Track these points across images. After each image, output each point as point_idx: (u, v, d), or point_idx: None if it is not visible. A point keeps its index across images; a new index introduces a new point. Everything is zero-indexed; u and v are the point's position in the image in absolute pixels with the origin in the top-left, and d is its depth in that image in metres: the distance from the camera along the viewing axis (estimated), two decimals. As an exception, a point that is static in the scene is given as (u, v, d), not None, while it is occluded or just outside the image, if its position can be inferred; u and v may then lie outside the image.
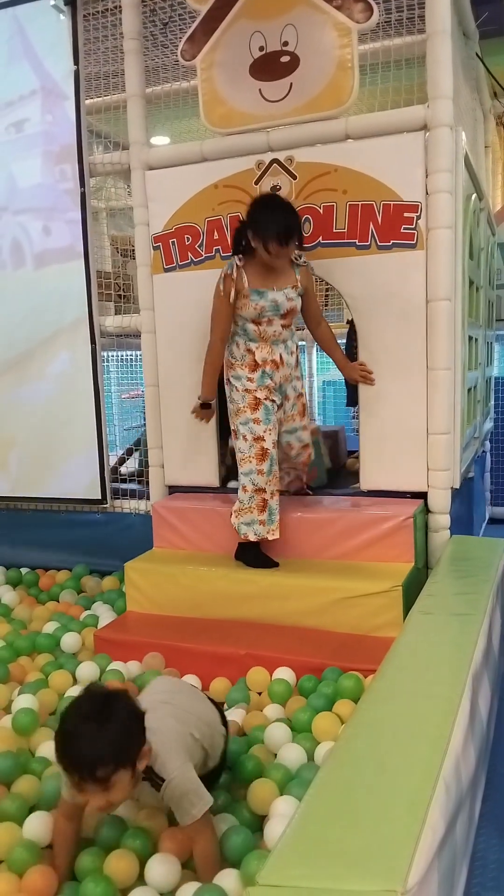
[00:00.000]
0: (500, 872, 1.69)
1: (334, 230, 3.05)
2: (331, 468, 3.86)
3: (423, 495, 3.06)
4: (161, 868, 1.68)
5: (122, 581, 3.39)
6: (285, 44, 2.99)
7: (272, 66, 3.03)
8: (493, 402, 5.14)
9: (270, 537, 2.96)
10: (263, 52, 3.03)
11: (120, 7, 3.43)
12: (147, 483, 3.69)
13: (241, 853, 1.70)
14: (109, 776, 1.51)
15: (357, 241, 3.01)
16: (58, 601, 3.67)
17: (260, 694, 2.54)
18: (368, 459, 3.14)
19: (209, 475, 3.46)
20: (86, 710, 1.55)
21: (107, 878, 1.64)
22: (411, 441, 3.03)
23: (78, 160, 3.71)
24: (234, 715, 2.34)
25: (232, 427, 3.03)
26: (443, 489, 3.01)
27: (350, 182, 2.99)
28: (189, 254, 3.35)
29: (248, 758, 2.07)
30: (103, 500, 3.88)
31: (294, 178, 3.09)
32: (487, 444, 5.15)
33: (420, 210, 2.89)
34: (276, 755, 2.16)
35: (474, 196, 3.42)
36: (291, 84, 3.00)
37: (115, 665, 2.73)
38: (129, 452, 4.60)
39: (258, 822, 1.89)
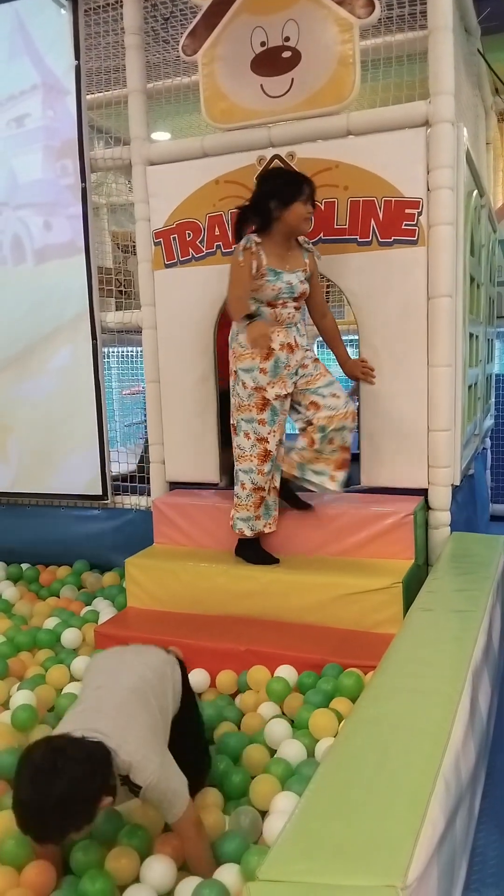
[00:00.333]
0: (499, 868, 1.69)
1: (335, 226, 3.05)
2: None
3: (423, 492, 3.06)
4: (158, 868, 1.68)
5: (123, 577, 3.40)
6: (287, 39, 2.98)
7: (273, 62, 3.02)
8: (493, 399, 5.13)
9: (267, 530, 2.97)
10: (265, 47, 3.03)
11: (121, 2, 3.42)
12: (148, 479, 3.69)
13: (235, 858, 1.70)
14: (62, 837, 1.53)
15: (358, 237, 3.00)
16: (58, 597, 3.67)
17: (258, 692, 2.55)
18: (369, 456, 3.13)
19: (210, 471, 3.46)
20: (36, 773, 1.46)
21: (105, 875, 1.64)
22: (412, 438, 3.02)
23: (79, 155, 3.71)
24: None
25: (233, 421, 2.98)
26: (443, 486, 3.01)
27: (351, 178, 2.99)
28: (190, 249, 3.34)
29: (236, 771, 2.06)
30: (104, 495, 3.88)
31: (295, 174, 3.09)
32: (488, 441, 5.15)
33: (421, 206, 2.89)
34: (275, 751, 2.16)
35: (475, 192, 3.41)
36: (293, 79, 3.00)
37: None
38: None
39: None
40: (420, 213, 2.89)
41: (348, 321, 4.96)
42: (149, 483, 3.70)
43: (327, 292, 5.93)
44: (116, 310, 3.96)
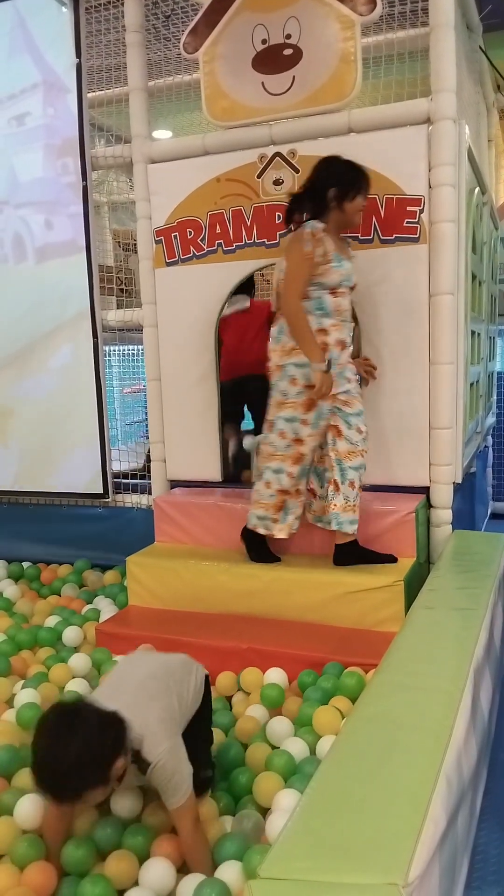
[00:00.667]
0: (501, 866, 1.69)
1: (337, 224, 3.04)
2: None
3: (425, 490, 3.05)
4: (157, 870, 1.67)
5: (124, 575, 3.40)
6: (288, 36, 2.98)
7: (275, 59, 3.01)
8: (495, 397, 5.13)
9: (278, 535, 2.92)
10: (266, 44, 3.02)
11: (122, 0, 3.42)
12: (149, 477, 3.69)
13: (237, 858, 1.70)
14: (79, 797, 1.56)
15: (360, 234, 3.00)
16: (59, 595, 3.67)
17: (249, 694, 2.53)
18: (371, 454, 3.12)
19: (211, 470, 3.46)
20: (55, 735, 1.53)
21: (105, 879, 1.64)
22: (413, 436, 3.02)
23: (80, 154, 3.70)
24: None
25: (269, 417, 2.83)
26: (445, 484, 3.01)
27: (353, 176, 2.98)
28: (191, 248, 3.34)
29: (242, 771, 2.06)
30: (105, 494, 3.88)
31: (297, 171, 3.08)
32: (489, 438, 5.14)
33: (423, 204, 2.88)
34: (276, 749, 2.16)
35: (477, 190, 3.41)
36: (294, 77, 2.99)
37: (117, 659, 2.74)
38: None
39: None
40: (422, 211, 2.89)
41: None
42: (150, 481, 3.70)
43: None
44: (117, 308, 3.95)
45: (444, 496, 3.02)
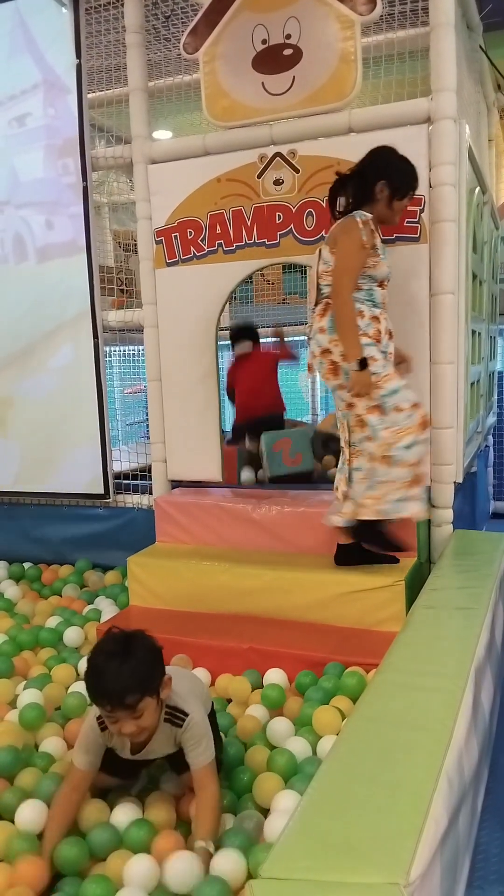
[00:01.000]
0: (502, 865, 1.69)
1: (337, 224, 3.04)
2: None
3: (426, 489, 3.05)
4: (142, 867, 1.66)
5: (125, 575, 3.40)
6: (288, 37, 2.98)
7: (275, 59, 3.01)
8: (495, 397, 5.13)
9: (419, 515, 2.72)
10: (266, 45, 3.02)
11: (122, 0, 3.42)
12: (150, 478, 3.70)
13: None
14: (137, 702, 1.66)
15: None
16: (60, 596, 3.68)
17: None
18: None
19: (212, 470, 3.46)
20: (110, 649, 1.71)
21: (106, 879, 1.64)
22: (414, 435, 3.01)
23: (80, 154, 3.70)
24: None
25: (373, 403, 2.61)
26: (446, 483, 3.01)
27: (353, 175, 2.98)
28: (191, 248, 3.34)
29: (242, 770, 2.07)
30: (106, 494, 3.88)
31: (297, 171, 3.09)
32: (490, 438, 5.14)
33: (423, 203, 2.88)
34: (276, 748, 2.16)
35: (478, 189, 3.41)
36: (294, 77, 2.99)
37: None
38: None
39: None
40: (422, 210, 2.89)
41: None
42: (151, 481, 3.70)
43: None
44: (118, 308, 3.95)
45: (445, 496, 3.02)
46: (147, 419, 3.69)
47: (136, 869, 1.64)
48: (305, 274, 6.01)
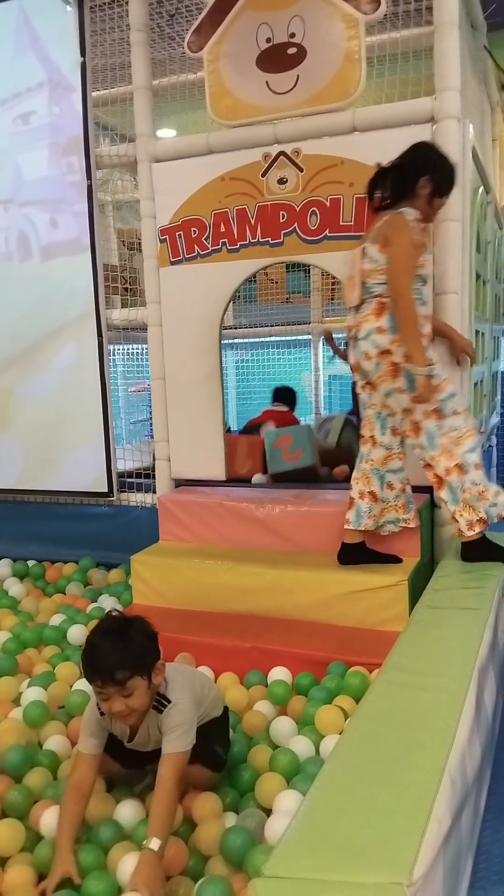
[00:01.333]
0: (505, 866, 1.69)
1: (341, 223, 3.04)
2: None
3: (429, 490, 3.04)
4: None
5: (129, 574, 3.40)
6: (292, 35, 2.97)
7: (279, 58, 3.01)
8: (499, 397, 5.12)
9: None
10: (270, 43, 3.02)
11: (126, -1, 3.42)
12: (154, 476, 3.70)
13: (240, 853, 1.70)
14: (126, 679, 1.70)
15: (364, 233, 2.99)
16: (64, 593, 3.68)
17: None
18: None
19: (215, 469, 3.46)
20: (106, 627, 1.77)
21: (109, 876, 1.64)
22: (417, 435, 3.01)
23: (84, 152, 3.71)
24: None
25: (431, 408, 2.57)
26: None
27: (357, 174, 2.98)
28: (195, 246, 3.34)
29: (244, 768, 2.07)
30: (109, 493, 3.89)
31: (301, 170, 3.08)
32: (494, 438, 5.13)
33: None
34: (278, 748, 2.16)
35: (481, 189, 3.40)
36: (298, 76, 2.99)
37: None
38: None
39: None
40: (426, 210, 2.88)
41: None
42: (154, 479, 3.71)
43: (332, 289, 5.95)
44: (122, 307, 3.95)
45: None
46: (150, 418, 3.70)
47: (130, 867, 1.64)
48: (309, 273, 6.04)
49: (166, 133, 4.64)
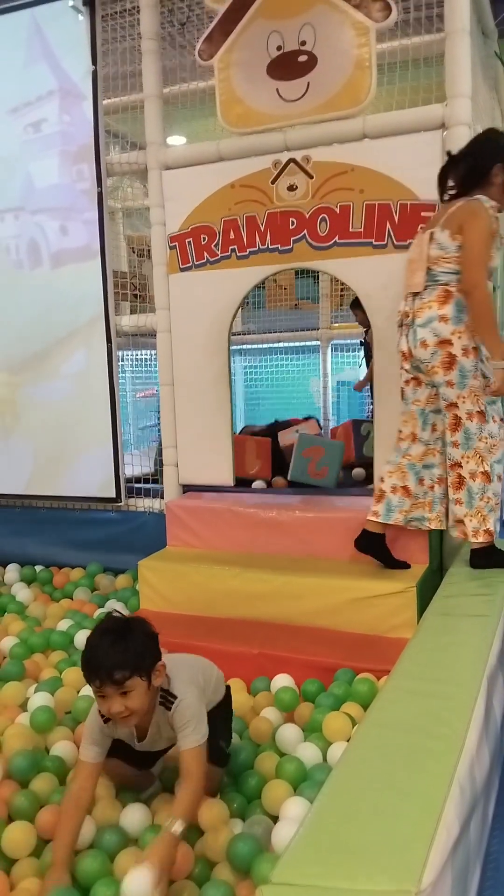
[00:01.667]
0: (513, 875, 1.68)
1: (351, 230, 3.05)
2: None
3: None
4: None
5: (136, 579, 3.40)
6: (303, 43, 2.99)
7: (289, 66, 3.02)
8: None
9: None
10: (281, 51, 3.03)
11: (138, 7, 3.44)
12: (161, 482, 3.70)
13: (247, 860, 1.69)
14: (125, 679, 1.68)
15: (374, 240, 3.00)
16: (72, 599, 3.69)
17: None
18: (383, 458, 3.12)
19: (223, 474, 3.46)
20: (106, 627, 1.77)
21: (116, 883, 1.64)
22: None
23: (95, 160, 3.73)
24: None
25: (477, 409, 2.52)
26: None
27: (367, 181, 2.99)
28: (205, 253, 3.35)
29: (251, 774, 2.07)
30: (118, 498, 3.89)
31: (311, 177, 3.09)
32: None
33: (437, 208, 2.88)
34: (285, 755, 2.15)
35: (491, 196, 3.40)
36: (309, 83, 3.00)
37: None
38: None
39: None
40: (435, 216, 2.88)
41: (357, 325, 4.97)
42: (162, 485, 3.71)
43: (341, 295, 5.95)
44: (131, 313, 3.97)
45: (457, 502, 3.00)
46: (159, 423, 3.70)
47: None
48: (318, 280, 6.04)
49: (177, 141, 4.66)
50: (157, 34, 3.46)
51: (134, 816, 1.86)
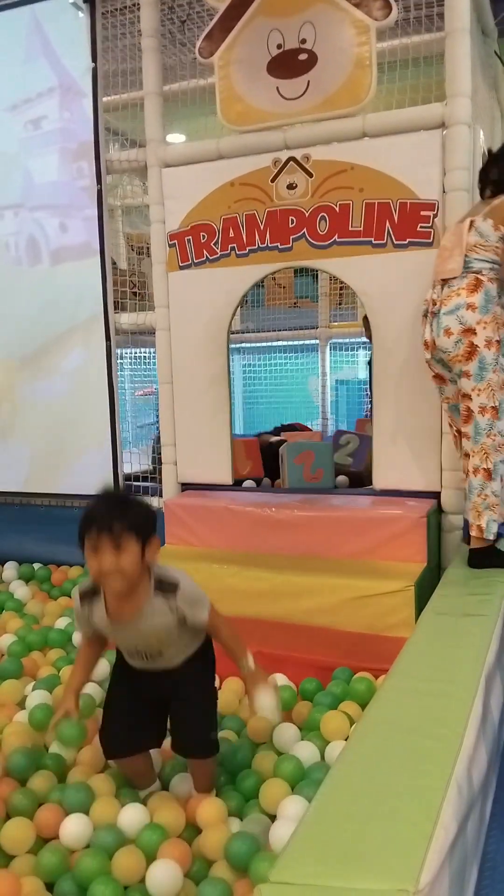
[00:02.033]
0: (510, 874, 1.68)
1: (350, 228, 3.05)
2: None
3: (436, 495, 3.04)
4: (162, 873, 1.66)
5: (134, 577, 3.39)
6: (303, 41, 2.98)
7: (290, 64, 3.02)
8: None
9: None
10: (281, 49, 3.03)
11: (138, 4, 3.43)
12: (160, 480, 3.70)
13: (245, 859, 1.69)
14: (121, 532, 1.69)
15: (373, 239, 3.00)
16: (70, 597, 3.67)
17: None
18: (382, 458, 3.13)
19: (222, 473, 3.46)
20: (107, 494, 1.87)
21: (114, 881, 1.64)
22: (425, 440, 3.01)
23: (95, 157, 3.73)
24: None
25: (491, 404, 2.52)
26: (456, 489, 3.00)
27: (366, 180, 2.98)
28: (204, 251, 3.35)
29: (249, 773, 2.07)
30: (116, 496, 3.89)
31: (310, 175, 3.09)
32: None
33: (437, 208, 2.88)
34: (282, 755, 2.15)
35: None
36: (309, 82, 3.00)
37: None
38: None
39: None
40: (435, 215, 2.89)
41: (359, 324, 4.97)
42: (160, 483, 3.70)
43: (340, 294, 5.95)
44: (130, 311, 3.97)
45: (455, 501, 3.01)
46: (157, 421, 3.70)
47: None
48: (317, 278, 6.04)
49: (176, 138, 4.65)
50: (158, 31, 3.45)
51: (132, 816, 1.86)
